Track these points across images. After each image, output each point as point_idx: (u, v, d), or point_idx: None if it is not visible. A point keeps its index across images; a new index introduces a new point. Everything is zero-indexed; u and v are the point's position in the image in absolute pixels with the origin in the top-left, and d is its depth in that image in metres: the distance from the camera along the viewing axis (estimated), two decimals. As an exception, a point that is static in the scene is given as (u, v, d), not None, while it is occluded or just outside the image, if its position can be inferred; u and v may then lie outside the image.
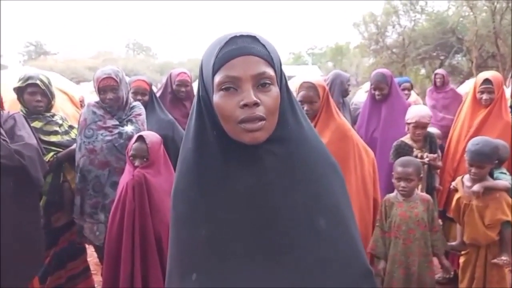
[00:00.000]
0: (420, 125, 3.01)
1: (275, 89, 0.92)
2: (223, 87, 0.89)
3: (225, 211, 0.95)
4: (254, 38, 0.92)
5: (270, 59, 0.92)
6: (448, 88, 5.72)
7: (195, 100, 1.00)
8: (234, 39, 0.91)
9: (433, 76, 5.97)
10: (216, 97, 0.91)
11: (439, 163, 3.13)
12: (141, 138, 2.31)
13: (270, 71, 0.91)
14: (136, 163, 2.28)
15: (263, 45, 0.92)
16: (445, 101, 5.40)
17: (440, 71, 6.24)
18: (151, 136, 2.35)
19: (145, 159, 2.29)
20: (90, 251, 3.34)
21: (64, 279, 2.86)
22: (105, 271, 2.31)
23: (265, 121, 0.90)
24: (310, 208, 0.95)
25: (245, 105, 0.87)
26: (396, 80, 4.42)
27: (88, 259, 3.20)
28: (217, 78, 0.90)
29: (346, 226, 1.00)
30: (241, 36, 0.91)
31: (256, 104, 0.88)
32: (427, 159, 2.97)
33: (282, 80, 0.98)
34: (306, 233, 0.93)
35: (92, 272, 3.21)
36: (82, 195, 2.63)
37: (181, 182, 1.01)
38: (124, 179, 2.29)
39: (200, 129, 0.97)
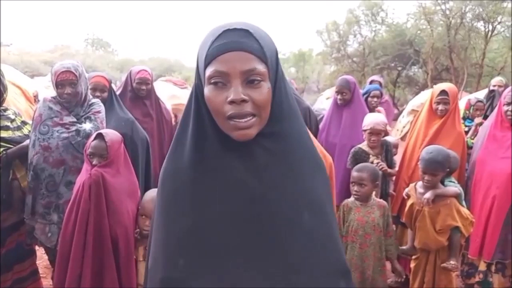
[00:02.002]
0: (375, 132, 3.10)
1: (266, 85, 0.91)
2: (212, 81, 0.90)
3: (214, 201, 0.95)
4: (247, 32, 0.90)
5: (262, 54, 0.90)
6: (384, 99, 5.34)
7: (193, 86, 0.99)
8: (226, 32, 0.90)
9: (368, 83, 5.36)
10: (206, 90, 0.91)
11: (393, 171, 3.23)
12: (100, 136, 2.23)
13: (260, 68, 0.89)
14: (94, 162, 2.20)
15: (256, 40, 0.90)
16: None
17: (376, 77, 5.60)
18: (111, 134, 2.28)
19: (104, 158, 2.21)
20: (40, 253, 3.19)
21: (10, 282, 2.72)
22: (56, 273, 2.21)
23: (255, 117, 0.90)
24: (296, 203, 0.96)
25: (232, 102, 0.88)
26: (367, 87, 4.49)
27: (38, 262, 3.05)
28: (208, 71, 0.89)
29: (329, 223, 1.02)
30: (234, 29, 0.90)
31: (244, 101, 0.88)
32: (380, 166, 3.04)
33: (278, 73, 0.96)
34: (291, 227, 0.95)
35: (42, 275, 3.07)
36: (34, 194, 2.51)
37: (173, 164, 1.00)
38: (81, 178, 2.21)
39: (198, 115, 0.96)
